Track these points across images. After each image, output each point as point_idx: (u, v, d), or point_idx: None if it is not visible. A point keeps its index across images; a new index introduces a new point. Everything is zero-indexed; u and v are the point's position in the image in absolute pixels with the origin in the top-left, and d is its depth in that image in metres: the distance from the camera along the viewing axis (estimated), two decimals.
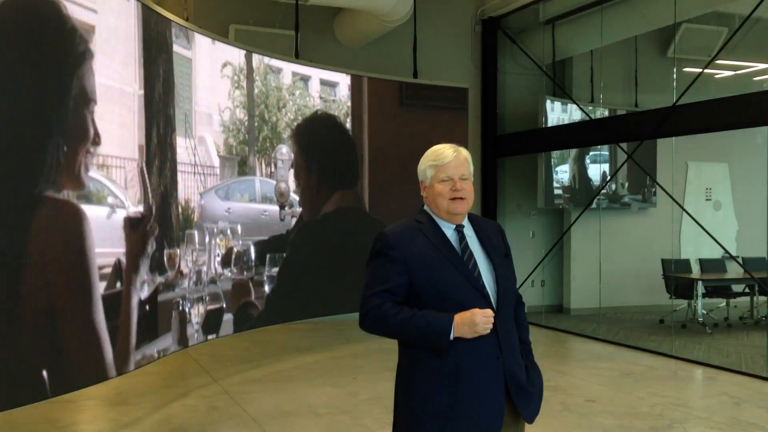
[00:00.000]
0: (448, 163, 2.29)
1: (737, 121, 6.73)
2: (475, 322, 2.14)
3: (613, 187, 10.20)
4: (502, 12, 9.41)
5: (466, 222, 2.34)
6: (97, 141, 4.26)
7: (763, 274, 8.69)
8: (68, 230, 4.04)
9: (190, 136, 5.64)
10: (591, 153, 10.09)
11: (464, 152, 2.34)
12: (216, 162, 6.04)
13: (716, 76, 9.63)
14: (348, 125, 7.54)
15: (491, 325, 2.17)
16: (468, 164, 2.33)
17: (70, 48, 4.06)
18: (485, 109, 9.66)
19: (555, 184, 9.88)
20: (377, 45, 8.83)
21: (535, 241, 9.93)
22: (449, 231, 2.31)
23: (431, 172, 2.31)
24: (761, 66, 9.12)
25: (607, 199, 10.01)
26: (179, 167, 5.42)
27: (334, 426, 4.77)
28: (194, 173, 5.68)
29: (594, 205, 9.38)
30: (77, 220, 4.09)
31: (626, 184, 10.30)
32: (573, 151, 9.91)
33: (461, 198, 2.28)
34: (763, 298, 9.03)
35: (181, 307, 5.29)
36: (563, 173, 10.02)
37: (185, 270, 5.40)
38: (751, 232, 9.93)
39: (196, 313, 5.54)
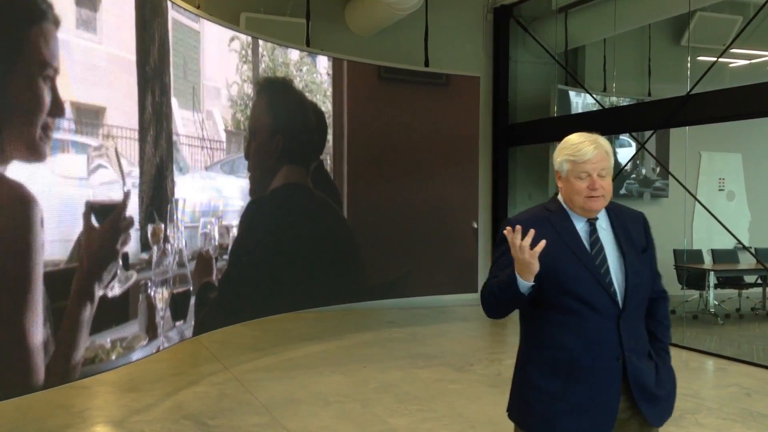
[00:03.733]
0: (588, 161, 2.16)
1: (751, 111, 6.66)
2: (521, 247, 2.00)
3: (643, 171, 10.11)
4: (515, 0, 9.34)
5: (602, 213, 2.26)
6: (56, 111, 3.90)
7: None
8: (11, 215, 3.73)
9: (198, 110, 5.62)
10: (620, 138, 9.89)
11: (605, 146, 2.20)
12: (223, 137, 6.00)
13: (731, 65, 9.55)
14: (329, 105, 7.31)
15: (527, 249, 2.00)
16: (608, 158, 2.19)
17: (21, 7, 3.76)
18: (496, 98, 9.61)
19: None
20: (388, 33, 8.79)
21: None
22: (580, 223, 2.23)
23: (568, 166, 2.19)
24: None
25: (637, 184, 9.94)
26: (186, 141, 5.39)
27: (345, 414, 4.79)
28: (201, 147, 5.66)
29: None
30: (23, 204, 3.75)
31: (657, 169, 10.17)
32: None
33: (598, 196, 2.19)
34: None
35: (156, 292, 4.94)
36: None
37: (167, 250, 5.06)
38: (764, 223, 9.88)
39: (164, 298, 5.09)
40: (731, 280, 9.04)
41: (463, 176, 8.30)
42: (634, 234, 2.27)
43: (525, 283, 2.07)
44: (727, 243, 9.02)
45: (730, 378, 5.90)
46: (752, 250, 8.45)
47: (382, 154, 7.72)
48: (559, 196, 2.29)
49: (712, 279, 8.55)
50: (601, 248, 2.21)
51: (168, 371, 5.81)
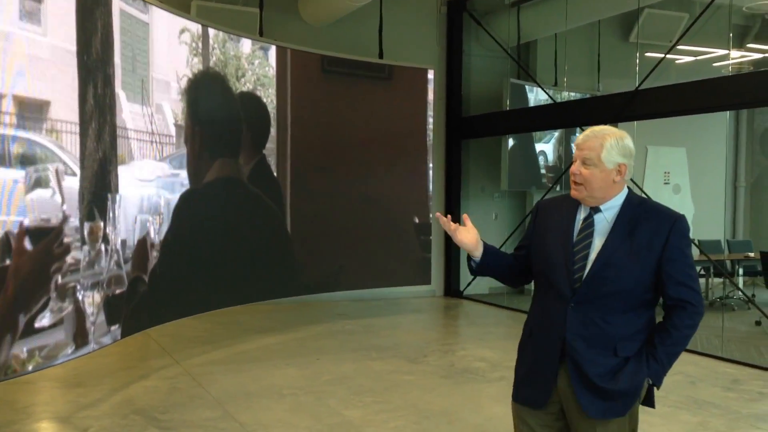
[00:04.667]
0: (577, 146, 2.27)
1: (696, 107, 6.84)
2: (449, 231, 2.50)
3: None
4: None
5: (612, 206, 2.27)
6: None
7: (719, 257, 8.91)
8: None
9: (147, 104, 5.46)
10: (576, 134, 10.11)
11: (601, 137, 2.24)
12: (173, 131, 5.83)
13: (677, 62, 9.78)
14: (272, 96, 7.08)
15: (447, 225, 2.45)
16: (598, 150, 2.22)
17: None
18: (450, 91, 9.66)
19: (541, 163, 9.95)
20: (343, 24, 8.74)
21: (498, 222, 10.01)
22: (585, 211, 2.32)
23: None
24: (720, 52, 9.27)
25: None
26: (135, 135, 5.23)
27: (298, 407, 4.76)
28: (151, 142, 5.50)
29: (558, 188, 9.46)
30: None
31: None
32: (557, 132, 9.98)
33: (576, 183, 2.26)
34: (718, 280, 9.26)
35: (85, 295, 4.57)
36: (548, 153, 10.09)
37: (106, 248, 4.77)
38: (707, 216, 10.16)
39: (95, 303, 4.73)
40: None
41: (413, 169, 8.30)
42: (642, 233, 2.23)
43: (473, 258, 2.51)
44: None
45: (675, 367, 5.97)
46: (695, 242, 8.68)
47: (328, 147, 7.55)
48: None
49: None
50: (589, 235, 2.27)
51: (116, 366, 5.69)
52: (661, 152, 10.72)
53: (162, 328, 6.13)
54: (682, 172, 10.98)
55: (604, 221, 2.28)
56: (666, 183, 10.85)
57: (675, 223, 2.24)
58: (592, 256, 2.24)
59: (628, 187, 2.34)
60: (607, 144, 2.23)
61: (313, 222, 7.46)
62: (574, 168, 2.27)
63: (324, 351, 6.37)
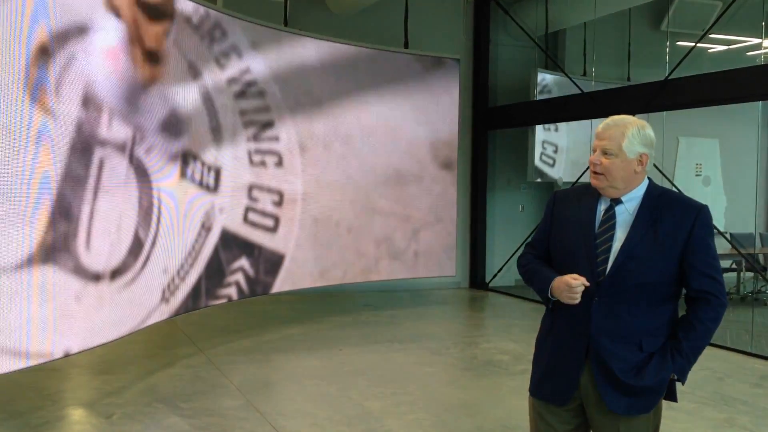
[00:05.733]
0: (597, 134, 2.24)
1: (729, 96, 6.68)
2: (568, 285, 2.19)
3: None
4: None
5: (634, 198, 2.24)
6: None
7: (751, 250, 8.74)
8: None
9: None
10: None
11: (622, 126, 2.20)
12: None
13: (709, 51, 9.58)
14: None
15: (576, 296, 2.17)
16: (618, 140, 2.19)
17: None
18: (476, 81, 9.57)
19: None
20: (369, 14, 8.70)
21: (525, 214, 9.91)
22: (606, 203, 2.28)
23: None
24: (754, 41, 9.06)
25: None
26: None
27: (319, 397, 4.78)
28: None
29: (586, 179, 9.35)
30: None
31: None
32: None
33: (597, 173, 2.23)
34: (749, 274, 9.08)
35: None
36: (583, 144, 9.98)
37: None
38: (739, 208, 9.96)
39: None
40: None
41: (439, 160, 8.25)
42: (665, 224, 2.20)
43: (551, 297, 2.30)
44: None
45: (703, 362, 5.88)
46: (727, 236, 8.52)
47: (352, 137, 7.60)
48: None
49: None
50: (611, 228, 2.23)
51: (142, 353, 5.76)
52: (693, 143, 10.53)
53: (188, 317, 6.20)
54: (714, 164, 10.78)
55: (625, 213, 2.24)
56: (698, 175, 10.66)
57: (699, 213, 2.20)
58: (615, 248, 2.20)
59: (649, 178, 2.30)
60: (629, 133, 2.19)
61: (338, 212, 7.47)
62: (593, 158, 2.23)
63: (347, 342, 6.38)
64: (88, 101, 4.39)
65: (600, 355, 2.20)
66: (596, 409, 2.25)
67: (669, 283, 2.22)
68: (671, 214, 2.20)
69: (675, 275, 2.21)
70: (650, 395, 2.22)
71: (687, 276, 2.20)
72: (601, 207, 2.28)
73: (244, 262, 6.37)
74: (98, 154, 4.48)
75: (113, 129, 4.62)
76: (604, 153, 2.20)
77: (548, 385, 2.33)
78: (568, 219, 2.34)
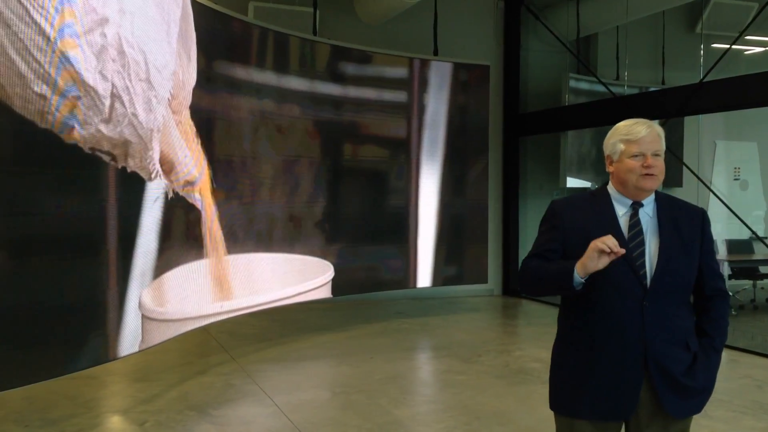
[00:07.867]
0: (642, 138, 2.22)
1: (765, 99, 6.54)
2: (602, 242, 2.07)
3: None
4: None
5: (650, 201, 2.27)
6: None
7: None
8: None
9: None
10: None
11: (657, 128, 2.27)
12: None
13: (745, 53, 9.40)
14: None
15: (608, 248, 2.06)
16: (660, 140, 2.24)
17: None
18: (507, 87, 9.51)
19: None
20: (398, 22, 8.71)
21: None
22: (624, 208, 2.27)
23: (622, 146, 2.24)
24: None
25: None
26: None
27: (350, 405, 4.77)
28: None
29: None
30: None
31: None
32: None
33: (652, 174, 2.22)
34: None
35: None
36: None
37: None
38: None
39: None
40: (746, 271, 8.92)
41: (471, 166, 8.23)
42: (684, 226, 2.27)
43: (579, 279, 2.13)
44: (742, 233, 8.89)
45: (742, 370, 5.81)
46: (767, 241, 8.33)
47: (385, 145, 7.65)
48: (609, 185, 2.32)
49: (726, 269, 8.43)
50: (640, 232, 2.24)
51: (176, 361, 5.82)
52: (731, 147, 10.33)
53: (221, 325, 6.26)
54: (753, 168, 10.55)
55: (646, 216, 2.27)
56: (736, 179, 10.44)
57: (704, 216, 2.33)
58: (650, 252, 2.22)
59: None
60: (663, 134, 2.27)
61: (371, 221, 7.50)
62: (650, 161, 2.21)
63: (378, 349, 6.36)
64: None
65: (657, 359, 2.18)
66: (647, 415, 2.21)
67: (692, 283, 2.29)
68: (684, 217, 2.29)
69: (695, 275, 2.28)
70: (703, 395, 2.25)
71: (704, 276, 2.29)
72: (620, 211, 2.27)
73: None
74: None
75: None
76: (655, 155, 2.23)
77: (605, 402, 2.21)
78: (584, 228, 2.22)
